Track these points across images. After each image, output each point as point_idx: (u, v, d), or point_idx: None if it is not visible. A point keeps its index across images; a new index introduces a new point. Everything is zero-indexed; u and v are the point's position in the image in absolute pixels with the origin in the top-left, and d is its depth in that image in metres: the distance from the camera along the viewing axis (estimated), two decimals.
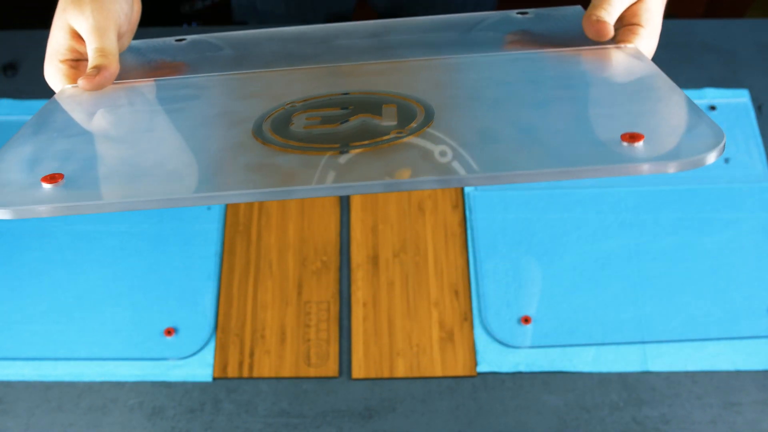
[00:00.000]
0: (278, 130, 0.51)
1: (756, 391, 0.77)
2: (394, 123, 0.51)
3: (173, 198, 0.45)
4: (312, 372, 0.78)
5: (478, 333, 0.80)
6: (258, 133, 0.51)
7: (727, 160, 0.89)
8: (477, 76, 0.58)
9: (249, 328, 0.80)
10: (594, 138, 0.46)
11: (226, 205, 0.87)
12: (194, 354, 0.79)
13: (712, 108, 0.93)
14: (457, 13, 0.70)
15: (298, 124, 0.52)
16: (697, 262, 0.83)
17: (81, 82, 0.58)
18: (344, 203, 0.87)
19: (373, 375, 0.77)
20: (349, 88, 0.57)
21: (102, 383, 0.78)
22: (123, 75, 0.62)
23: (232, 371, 0.78)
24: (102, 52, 0.58)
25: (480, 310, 0.81)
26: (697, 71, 0.96)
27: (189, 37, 0.70)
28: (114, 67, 0.58)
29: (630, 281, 0.82)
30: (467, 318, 0.80)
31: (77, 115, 0.58)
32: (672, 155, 0.44)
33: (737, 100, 0.93)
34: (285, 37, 0.69)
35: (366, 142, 0.49)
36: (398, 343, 0.79)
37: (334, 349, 0.79)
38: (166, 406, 0.76)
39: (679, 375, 0.78)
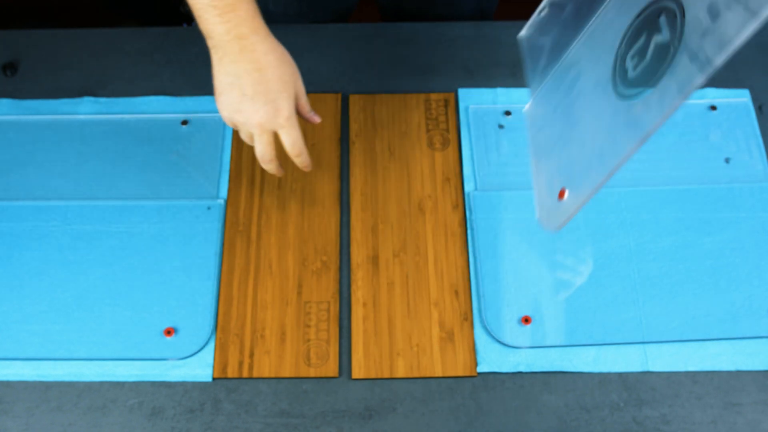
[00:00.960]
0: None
1: (756, 391, 0.77)
2: None
3: None
4: (312, 372, 0.78)
5: (479, 333, 0.79)
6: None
7: (727, 160, 0.89)
8: None
9: (249, 328, 0.80)
10: None
11: (226, 205, 0.86)
12: (194, 354, 0.78)
13: (713, 108, 0.92)
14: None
15: None
16: (697, 262, 0.83)
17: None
18: (344, 203, 0.87)
19: (373, 375, 0.77)
20: None
21: (101, 383, 0.78)
22: None
23: (231, 371, 0.78)
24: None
25: (480, 310, 0.80)
26: None
27: None
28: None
29: (630, 281, 0.82)
30: (467, 318, 0.80)
31: None
32: None
33: (738, 99, 0.93)
34: None
35: None
36: (398, 343, 0.79)
37: (334, 349, 0.79)
38: (166, 406, 0.76)
39: (679, 375, 0.78)
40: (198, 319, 0.80)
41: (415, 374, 0.77)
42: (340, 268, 0.84)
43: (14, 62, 0.97)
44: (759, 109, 0.93)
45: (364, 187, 0.88)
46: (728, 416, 0.76)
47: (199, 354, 0.79)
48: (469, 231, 0.85)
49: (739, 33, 0.57)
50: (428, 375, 0.77)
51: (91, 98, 0.94)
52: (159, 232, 0.85)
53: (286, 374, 0.78)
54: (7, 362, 0.78)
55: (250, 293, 0.82)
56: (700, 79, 0.59)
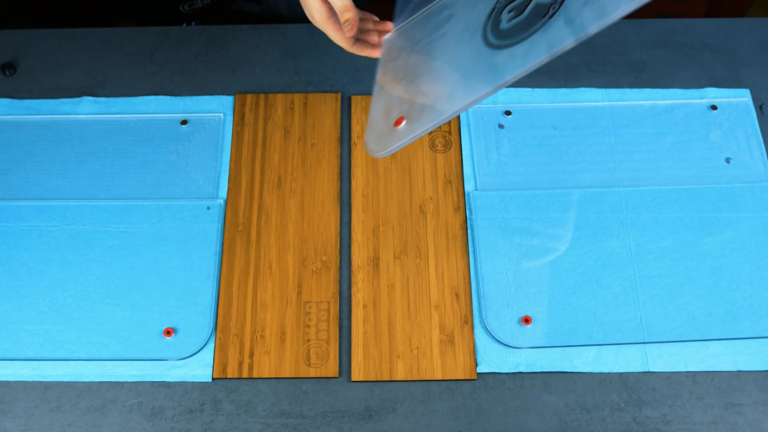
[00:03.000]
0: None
1: (757, 391, 0.77)
2: None
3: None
4: (312, 372, 0.78)
5: (479, 333, 0.79)
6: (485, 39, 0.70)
7: (728, 160, 0.89)
8: None
9: (249, 329, 0.80)
10: None
11: (226, 205, 0.86)
12: (194, 354, 0.78)
13: (713, 108, 0.92)
14: None
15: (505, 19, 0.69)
16: (697, 262, 0.83)
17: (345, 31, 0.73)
18: (344, 204, 0.87)
19: (372, 378, 0.77)
20: None
21: (101, 383, 0.77)
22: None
23: (231, 371, 0.78)
24: (345, 7, 0.71)
25: (480, 311, 0.80)
26: (698, 71, 0.96)
27: None
28: (354, 16, 0.72)
29: (630, 281, 0.82)
30: (468, 321, 0.80)
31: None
32: None
33: (738, 99, 0.93)
34: None
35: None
36: (398, 346, 0.79)
37: (334, 350, 0.79)
38: (166, 406, 0.76)
39: (679, 375, 0.78)
40: (198, 319, 0.80)
41: (415, 377, 0.77)
42: (340, 268, 0.83)
43: (14, 62, 0.97)
44: (759, 108, 0.93)
45: (365, 189, 0.88)
46: (729, 416, 0.76)
47: (199, 354, 0.78)
48: (469, 231, 0.85)
49: (618, 9, 0.60)
50: (428, 378, 0.77)
51: (91, 98, 0.94)
52: (158, 232, 0.85)
53: (286, 374, 0.78)
54: (7, 362, 0.78)
55: (249, 293, 0.82)
56: (571, 43, 0.62)
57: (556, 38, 0.64)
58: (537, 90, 0.94)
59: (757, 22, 1.00)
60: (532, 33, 0.66)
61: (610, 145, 0.90)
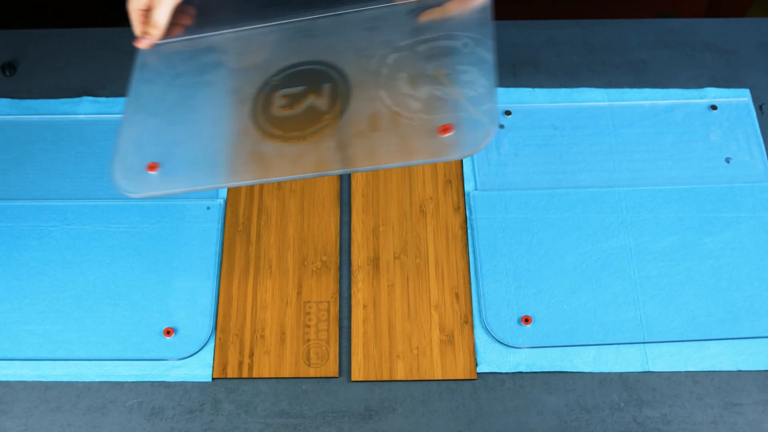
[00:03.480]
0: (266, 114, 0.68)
1: (757, 391, 0.77)
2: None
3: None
4: (312, 372, 0.78)
5: (479, 333, 0.79)
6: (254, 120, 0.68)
7: (728, 160, 0.89)
8: None
9: (248, 328, 0.80)
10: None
11: (226, 205, 0.86)
12: (194, 354, 0.78)
13: (713, 107, 0.92)
14: None
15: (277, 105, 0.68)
16: (697, 262, 0.83)
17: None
18: (344, 203, 0.87)
19: (372, 378, 0.77)
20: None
21: (101, 383, 0.77)
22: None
23: (231, 371, 0.78)
24: (153, 23, 0.75)
25: (480, 311, 0.80)
26: (698, 70, 0.96)
27: None
28: (157, 36, 0.76)
29: (630, 281, 0.82)
30: (468, 321, 0.80)
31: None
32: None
33: (738, 99, 0.93)
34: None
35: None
36: (398, 346, 0.79)
37: (333, 349, 0.79)
38: (166, 406, 0.76)
39: (679, 375, 0.78)
40: (198, 319, 0.80)
41: (415, 377, 0.77)
42: (340, 268, 0.83)
43: (13, 62, 0.97)
44: (759, 108, 0.93)
45: (365, 189, 0.87)
46: (729, 416, 0.76)
47: (199, 354, 0.78)
48: (469, 231, 0.85)
49: (388, 163, 0.62)
50: (428, 378, 0.77)
51: (90, 98, 0.94)
52: (158, 232, 0.85)
53: (286, 374, 0.78)
54: (7, 362, 0.78)
55: (249, 293, 0.82)
56: (340, 172, 0.63)
57: (327, 160, 0.63)
58: (537, 90, 0.94)
59: (757, 22, 1.00)
60: (304, 137, 0.65)
61: (610, 145, 0.90)
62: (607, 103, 0.93)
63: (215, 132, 0.69)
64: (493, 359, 0.78)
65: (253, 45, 0.75)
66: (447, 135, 0.64)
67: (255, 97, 0.69)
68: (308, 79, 0.70)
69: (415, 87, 0.67)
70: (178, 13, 0.77)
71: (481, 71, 0.67)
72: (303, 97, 0.69)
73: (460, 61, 0.68)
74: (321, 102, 0.68)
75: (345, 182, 0.88)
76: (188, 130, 0.69)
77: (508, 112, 0.92)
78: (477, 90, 0.66)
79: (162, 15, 0.75)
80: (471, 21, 0.70)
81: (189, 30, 0.78)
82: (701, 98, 0.93)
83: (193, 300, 0.81)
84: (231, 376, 0.77)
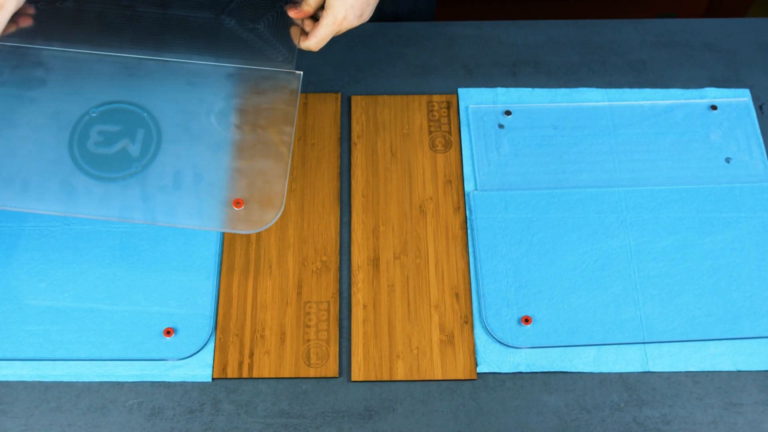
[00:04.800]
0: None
1: (757, 391, 0.77)
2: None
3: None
4: (312, 372, 0.78)
5: (479, 333, 0.79)
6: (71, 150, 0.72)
7: (728, 160, 0.89)
8: None
9: (249, 329, 0.80)
10: None
11: None
12: (194, 354, 0.78)
13: (713, 107, 0.92)
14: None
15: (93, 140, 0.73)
16: (697, 262, 0.83)
17: None
18: (344, 203, 0.87)
19: (372, 378, 0.77)
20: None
21: (101, 383, 0.77)
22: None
23: (231, 371, 0.78)
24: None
25: (480, 310, 0.80)
26: (698, 71, 0.96)
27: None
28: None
29: (630, 281, 0.82)
30: (468, 321, 0.80)
31: None
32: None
33: (738, 99, 0.93)
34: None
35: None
36: (398, 346, 0.79)
37: (334, 350, 0.79)
38: (166, 406, 0.76)
39: (679, 375, 0.78)
40: (198, 319, 0.80)
41: (415, 377, 0.77)
42: (340, 268, 0.83)
43: None
44: (759, 108, 0.93)
45: (365, 189, 0.88)
46: (729, 416, 0.76)
47: (199, 354, 0.78)
48: (469, 231, 0.85)
49: (186, 223, 0.68)
50: (428, 378, 0.77)
51: None
52: (158, 232, 0.85)
53: (286, 374, 0.78)
54: (6, 362, 0.78)
55: (249, 293, 0.82)
56: (140, 219, 0.67)
57: (130, 207, 0.68)
58: (537, 90, 0.94)
59: (757, 22, 1.00)
60: (113, 179, 0.69)
61: (610, 145, 0.90)
62: (606, 103, 0.93)
63: (32, 154, 0.72)
64: (493, 359, 0.78)
65: (80, 70, 0.78)
66: (239, 209, 0.73)
67: (74, 127, 0.73)
68: (125, 120, 0.74)
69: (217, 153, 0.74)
70: (16, 13, 0.76)
71: (276, 162, 0.75)
72: (117, 138, 0.73)
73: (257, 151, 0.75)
74: (133, 148, 0.73)
75: (345, 182, 0.89)
76: (5, 146, 0.72)
77: (508, 112, 0.92)
78: (270, 175, 0.74)
79: (1, 18, 0.73)
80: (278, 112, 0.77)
81: (21, 33, 0.79)
82: (701, 98, 0.93)
83: (193, 300, 0.81)
84: (231, 376, 0.77)
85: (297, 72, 0.78)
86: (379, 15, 1.03)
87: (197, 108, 0.76)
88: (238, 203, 0.74)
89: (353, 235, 0.85)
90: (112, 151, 0.72)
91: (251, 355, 0.78)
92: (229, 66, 0.79)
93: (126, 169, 0.71)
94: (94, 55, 0.78)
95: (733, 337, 0.79)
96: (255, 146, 0.76)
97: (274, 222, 0.73)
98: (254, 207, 0.74)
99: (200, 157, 0.74)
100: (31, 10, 0.79)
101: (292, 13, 0.77)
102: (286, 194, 0.86)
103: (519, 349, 0.79)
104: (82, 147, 0.71)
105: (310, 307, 0.81)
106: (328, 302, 0.81)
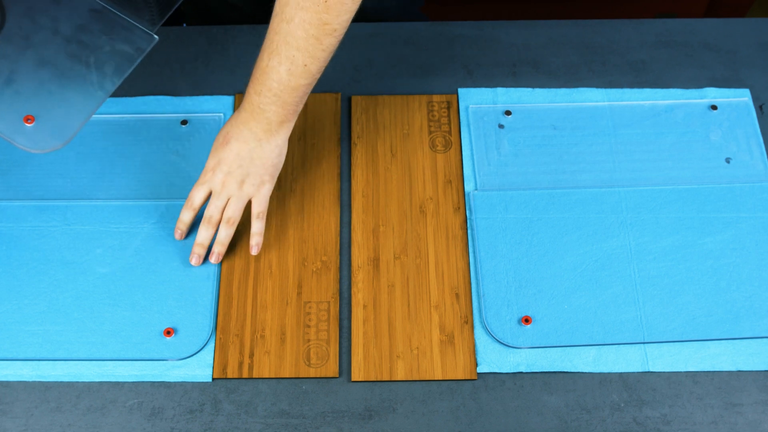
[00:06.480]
0: None
1: (757, 391, 0.77)
2: None
3: None
4: (312, 372, 0.78)
5: (479, 333, 0.79)
6: None
7: (728, 160, 0.89)
8: None
9: (249, 329, 0.80)
10: None
11: None
12: (194, 354, 0.78)
13: (713, 108, 0.92)
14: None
15: None
16: (697, 262, 0.83)
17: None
18: (344, 204, 0.87)
19: (372, 378, 0.77)
20: None
21: (101, 384, 0.77)
22: None
23: (231, 372, 0.78)
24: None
25: (480, 311, 0.80)
26: (698, 71, 0.96)
27: None
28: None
29: (630, 281, 0.82)
30: (468, 321, 0.80)
31: None
32: None
33: (738, 99, 0.93)
34: None
35: None
36: (398, 346, 0.79)
37: (334, 350, 0.79)
38: (166, 406, 0.76)
39: (680, 375, 0.78)
40: (198, 319, 0.80)
41: (415, 377, 0.77)
42: (340, 268, 0.83)
43: None
44: (760, 108, 0.93)
45: (365, 189, 0.88)
46: (729, 416, 0.76)
47: (199, 354, 0.78)
48: (469, 231, 0.85)
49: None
50: (428, 378, 0.77)
51: None
52: (158, 232, 0.85)
53: (286, 374, 0.78)
54: (6, 362, 0.78)
55: (250, 293, 0.82)
56: None
57: None
58: (537, 90, 0.94)
59: (757, 22, 1.00)
60: None
61: (610, 145, 0.90)
62: (606, 103, 0.93)
63: None
64: (493, 359, 0.78)
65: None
66: (28, 124, 0.74)
67: None
68: None
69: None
70: None
71: (86, 99, 0.75)
72: None
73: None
74: None
75: (345, 182, 0.89)
76: None
77: (508, 112, 0.92)
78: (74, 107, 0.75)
79: None
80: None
81: None
82: (701, 98, 0.93)
83: (193, 300, 0.81)
84: (231, 377, 0.77)
85: (154, 36, 0.79)
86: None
87: (50, 24, 0.78)
88: (28, 119, 0.74)
89: (353, 235, 0.85)
90: None
91: (251, 355, 0.78)
92: (98, 1, 0.79)
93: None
94: None
95: (733, 337, 0.79)
96: (75, 78, 0.76)
97: (52, 149, 0.74)
98: (44, 129, 0.74)
99: (23, 65, 0.75)
100: None
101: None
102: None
103: (519, 349, 0.79)
104: None
105: (310, 308, 0.81)
106: (328, 302, 0.81)
